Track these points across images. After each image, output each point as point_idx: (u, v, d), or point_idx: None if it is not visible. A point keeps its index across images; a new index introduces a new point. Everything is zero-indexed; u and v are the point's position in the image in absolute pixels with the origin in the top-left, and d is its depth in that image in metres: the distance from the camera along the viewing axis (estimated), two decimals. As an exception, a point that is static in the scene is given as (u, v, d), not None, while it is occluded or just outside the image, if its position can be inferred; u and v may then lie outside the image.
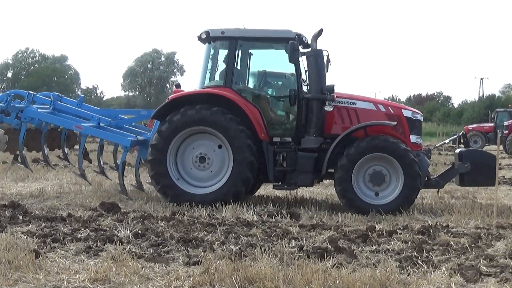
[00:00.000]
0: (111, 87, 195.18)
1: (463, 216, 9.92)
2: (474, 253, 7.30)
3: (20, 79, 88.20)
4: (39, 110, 12.19)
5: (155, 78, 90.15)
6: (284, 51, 11.04)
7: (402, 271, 6.48)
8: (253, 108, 11.09)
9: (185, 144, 11.09)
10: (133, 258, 6.72)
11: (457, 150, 11.63)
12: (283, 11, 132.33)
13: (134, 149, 13.72)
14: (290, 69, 11.28)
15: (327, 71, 11.27)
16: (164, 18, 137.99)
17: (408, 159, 10.44)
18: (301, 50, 11.27)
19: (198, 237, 7.97)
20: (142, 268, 6.45)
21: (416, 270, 6.54)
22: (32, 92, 12.80)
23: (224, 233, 8.29)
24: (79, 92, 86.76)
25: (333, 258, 6.94)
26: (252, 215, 9.76)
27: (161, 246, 7.46)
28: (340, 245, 7.52)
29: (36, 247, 7.10)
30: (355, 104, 11.17)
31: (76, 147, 14.27)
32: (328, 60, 11.40)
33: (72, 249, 7.27)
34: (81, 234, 8.10)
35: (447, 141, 17.39)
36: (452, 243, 7.78)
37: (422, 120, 11.68)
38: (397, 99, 79.35)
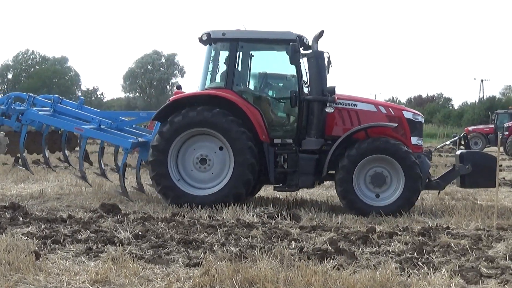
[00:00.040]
0: (112, 89, 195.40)
1: (463, 217, 9.92)
2: (474, 254, 7.29)
3: (20, 80, 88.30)
4: (39, 112, 12.19)
5: (155, 79, 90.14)
6: (285, 52, 11.05)
7: (403, 272, 6.48)
8: (254, 109, 11.10)
9: (186, 145, 11.09)
10: (133, 259, 6.72)
11: (458, 152, 11.63)
12: (284, 13, 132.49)
13: (135, 151, 13.74)
14: (291, 70, 11.28)
15: (328, 73, 11.27)
16: (165, 19, 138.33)
17: (409, 161, 10.44)
18: (302, 51, 11.28)
19: (199, 238, 7.97)
20: (142, 269, 6.45)
21: (417, 271, 6.53)
22: (32, 95, 12.80)
23: (225, 235, 8.29)
24: (79, 94, 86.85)
25: (333, 259, 6.94)
26: (253, 216, 9.77)
27: (161, 248, 7.45)
28: (341, 247, 7.52)
29: (36, 248, 7.10)
30: (356, 106, 11.17)
31: (77, 149, 14.26)
32: (329, 62, 11.39)
33: (73, 250, 7.27)
34: (81, 235, 8.10)
35: (448, 142, 17.41)
36: (452, 244, 7.78)
37: (423, 121, 11.69)
38: (398, 101, 79.33)
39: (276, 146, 11.09)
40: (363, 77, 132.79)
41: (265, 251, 7.00)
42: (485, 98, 72.94)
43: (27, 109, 12.12)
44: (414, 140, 11.20)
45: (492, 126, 35.89)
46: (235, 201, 10.60)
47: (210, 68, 11.62)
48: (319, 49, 11.04)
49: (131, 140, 11.38)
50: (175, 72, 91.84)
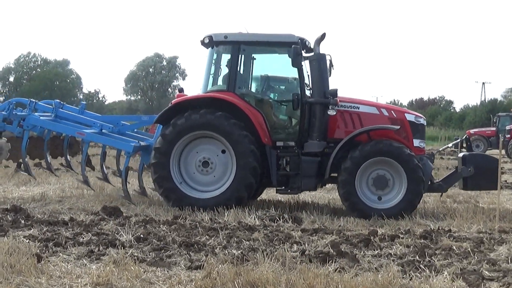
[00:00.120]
0: (113, 92, 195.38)
1: (465, 220, 9.91)
2: (476, 257, 7.29)
3: (22, 83, 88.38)
4: (41, 117, 12.18)
5: (157, 82, 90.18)
6: (287, 55, 11.04)
7: (404, 275, 6.48)
8: (256, 112, 11.10)
9: (188, 148, 11.10)
10: (135, 262, 6.73)
11: (461, 154, 11.63)
12: (286, 16, 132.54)
13: (137, 154, 13.73)
14: (293, 73, 11.29)
15: (330, 75, 11.27)
16: (166, 22, 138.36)
17: (412, 164, 10.44)
18: (304, 54, 11.27)
19: (200, 241, 7.96)
20: (144, 272, 6.45)
21: (418, 274, 6.53)
22: (34, 100, 12.80)
23: (226, 237, 8.28)
24: (81, 97, 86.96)
25: (335, 262, 6.94)
26: (254, 219, 9.76)
27: (163, 250, 7.45)
28: (342, 250, 7.51)
29: (38, 251, 7.11)
30: (358, 108, 11.17)
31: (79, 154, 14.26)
32: (331, 65, 11.39)
33: (74, 253, 7.27)
34: (83, 238, 8.10)
35: (450, 145, 17.42)
36: (454, 247, 7.78)
37: (425, 124, 11.67)
38: (399, 104, 79.29)
39: (278, 148, 11.08)
40: (364, 79, 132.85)
41: (266, 254, 7.00)
42: (486, 101, 72.92)
43: (29, 114, 12.10)
44: (416, 142, 11.19)
45: (493, 128, 35.84)
46: (237, 204, 10.59)
47: (212, 71, 11.63)
48: (321, 51, 11.04)
49: (133, 144, 11.38)
50: (176, 74, 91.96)
